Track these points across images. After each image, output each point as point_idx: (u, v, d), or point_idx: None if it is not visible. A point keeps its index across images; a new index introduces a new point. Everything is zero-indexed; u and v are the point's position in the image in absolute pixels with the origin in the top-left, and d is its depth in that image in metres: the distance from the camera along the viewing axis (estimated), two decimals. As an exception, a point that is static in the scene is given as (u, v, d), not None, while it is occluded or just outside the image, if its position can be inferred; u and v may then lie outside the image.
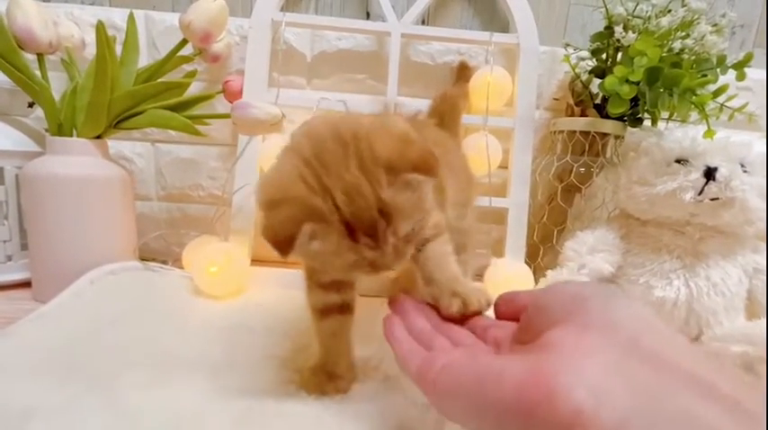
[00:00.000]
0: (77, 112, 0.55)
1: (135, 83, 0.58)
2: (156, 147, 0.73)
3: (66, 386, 0.34)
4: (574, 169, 0.65)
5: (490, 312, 0.31)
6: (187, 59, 0.63)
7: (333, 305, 0.36)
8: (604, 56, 0.64)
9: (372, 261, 0.28)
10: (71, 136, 0.55)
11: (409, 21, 0.66)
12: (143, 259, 0.62)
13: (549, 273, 0.58)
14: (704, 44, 0.56)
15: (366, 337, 0.45)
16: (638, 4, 0.60)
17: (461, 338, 0.29)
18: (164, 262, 0.65)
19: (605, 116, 0.63)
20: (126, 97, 0.54)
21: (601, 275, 0.57)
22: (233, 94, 0.65)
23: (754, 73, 0.66)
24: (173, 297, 0.55)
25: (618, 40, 0.59)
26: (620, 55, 0.62)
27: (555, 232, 0.68)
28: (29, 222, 0.55)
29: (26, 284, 0.57)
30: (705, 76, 0.55)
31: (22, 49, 0.52)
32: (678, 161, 0.52)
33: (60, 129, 0.55)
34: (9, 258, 0.58)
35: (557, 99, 0.73)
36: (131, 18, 0.59)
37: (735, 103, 0.55)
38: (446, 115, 0.60)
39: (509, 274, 0.61)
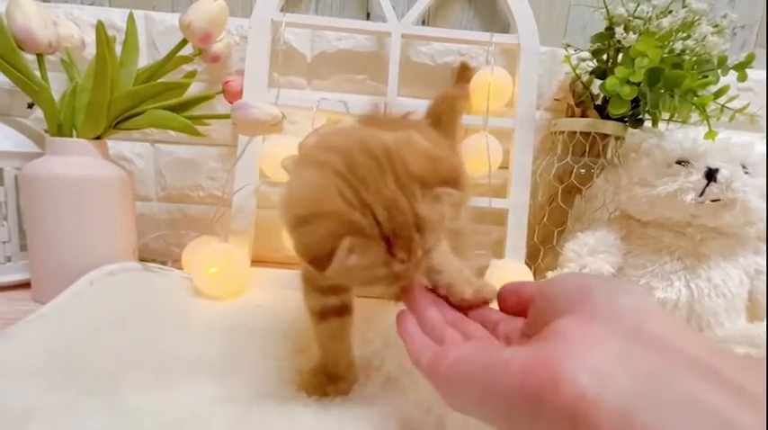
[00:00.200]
0: (77, 113, 0.55)
1: (135, 83, 0.58)
2: (156, 147, 0.73)
3: (66, 387, 0.34)
4: (574, 170, 0.65)
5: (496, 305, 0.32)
6: (187, 60, 0.63)
7: (331, 308, 0.36)
8: (605, 56, 0.64)
9: (399, 274, 0.28)
10: (71, 136, 0.55)
11: (409, 21, 0.66)
12: (142, 260, 0.62)
13: (550, 274, 0.58)
14: (705, 45, 0.56)
15: (366, 338, 0.45)
16: (638, 5, 0.59)
17: (473, 332, 0.29)
18: (163, 262, 0.65)
19: (606, 117, 0.63)
20: (126, 98, 0.54)
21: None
22: (233, 95, 0.65)
23: (756, 74, 0.66)
24: (172, 298, 0.55)
25: (619, 41, 0.59)
26: (620, 56, 0.62)
27: (555, 233, 0.68)
28: (28, 223, 0.55)
29: (25, 285, 0.57)
30: (706, 77, 0.55)
31: (22, 49, 0.52)
32: (679, 162, 0.52)
33: (60, 130, 0.55)
34: (8, 259, 0.58)
35: (557, 100, 0.73)
36: (131, 18, 0.59)
37: (736, 104, 0.55)
38: (444, 116, 0.60)
39: (509, 275, 0.61)
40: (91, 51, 0.58)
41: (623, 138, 0.63)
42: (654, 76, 0.53)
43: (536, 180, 0.69)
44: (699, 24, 0.57)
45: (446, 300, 0.33)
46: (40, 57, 0.54)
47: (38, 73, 0.53)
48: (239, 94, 0.63)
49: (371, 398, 0.36)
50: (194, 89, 0.68)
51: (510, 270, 0.61)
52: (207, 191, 0.75)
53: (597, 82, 0.65)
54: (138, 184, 0.73)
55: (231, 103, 0.61)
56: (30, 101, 0.62)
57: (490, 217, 0.65)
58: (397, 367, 0.41)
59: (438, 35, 0.68)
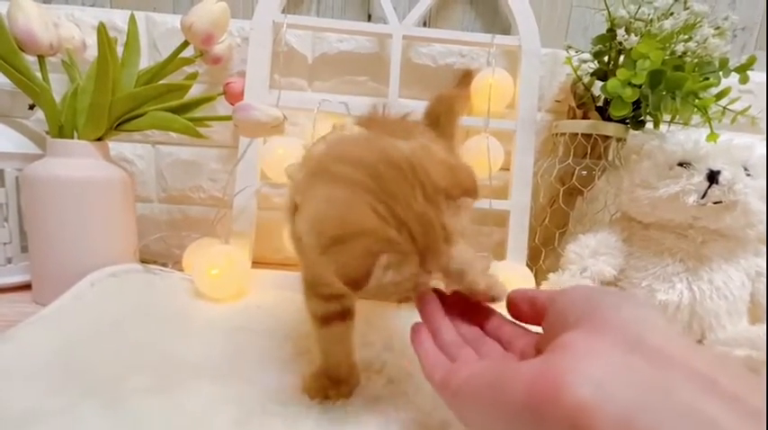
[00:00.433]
0: (78, 114, 0.55)
1: (136, 85, 0.58)
2: (157, 148, 0.73)
3: (67, 389, 0.34)
4: (576, 172, 0.65)
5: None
6: (188, 61, 0.63)
7: (333, 313, 0.36)
8: (606, 58, 0.64)
9: (421, 284, 0.29)
10: (72, 138, 0.55)
11: (411, 23, 0.66)
12: (143, 261, 0.62)
13: (551, 276, 0.58)
14: (707, 47, 0.56)
15: (367, 340, 0.45)
16: (640, 7, 0.60)
17: (488, 351, 0.30)
18: (164, 264, 0.65)
19: (607, 119, 0.63)
20: (127, 99, 0.54)
21: (603, 278, 0.56)
22: (234, 96, 0.65)
23: (757, 76, 0.66)
24: (173, 299, 0.55)
25: (620, 43, 0.59)
26: (622, 58, 0.62)
27: (557, 235, 0.68)
28: (29, 224, 0.55)
29: (26, 287, 0.57)
30: (708, 79, 0.55)
31: (23, 50, 0.51)
32: (681, 164, 0.52)
33: (61, 131, 0.55)
34: (9, 260, 0.58)
35: (558, 101, 0.73)
36: (132, 20, 0.59)
37: (737, 106, 0.55)
38: (442, 117, 0.60)
39: (510, 277, 0.61)
40: (92, 53, 0.58)
41: (625, 140, 0.63)
42: (655, 77, 0.53)
43: (537, 182, 0.69)
44: (700, 26, 0.57)
45: (455, 296, 0.33)
46: (41, 58, 0.54)
47: (39, 74, 0.53)
48: (240, 96, 0.63)
49: (373, 402, 0.36)
50: (195, 91, 0.68)
51: (511, 271, 0.61)
52: (208, 192, 0.75)
53: (598, 84, 0.65)
54: (139, 186, 0.73)
55: (232, 104, 0.61)
56: (31, 102, 0.62)
57: (491, 218, 0.65)
58: (398, 370, 0.40)
59: (439, 36, 0.68)
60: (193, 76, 0.67)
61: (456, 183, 0.28)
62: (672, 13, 0.59)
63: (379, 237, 0.25)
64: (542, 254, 0.69)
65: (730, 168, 0.49)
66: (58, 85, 0.56)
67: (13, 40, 0.50)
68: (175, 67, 0.62)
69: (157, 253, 0.73)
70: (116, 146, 0.70)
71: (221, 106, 0.68)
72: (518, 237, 0.64)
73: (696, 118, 0.57)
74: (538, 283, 0.61)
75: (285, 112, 0.55)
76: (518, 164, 0.65)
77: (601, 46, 0.64)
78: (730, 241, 0.52)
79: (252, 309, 0.54)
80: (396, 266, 0.26)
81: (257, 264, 0.64)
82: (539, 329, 0.29)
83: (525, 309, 0.30)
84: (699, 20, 0.57)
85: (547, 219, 0.69)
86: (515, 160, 0.65)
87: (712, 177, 0.49)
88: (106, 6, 0.71)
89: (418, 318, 0.36)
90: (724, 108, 0.55)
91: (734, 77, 0.56)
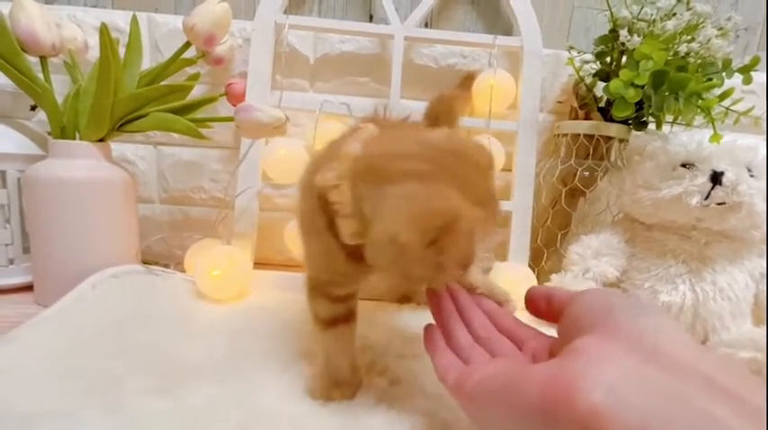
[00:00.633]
0: (80, 115, 0.55)
1: (138, 85, 0.58)
2: (159, 149, 0.73)
3: (69, 391, 0.34)
4: (578, 173, 0.65)
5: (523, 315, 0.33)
6: (190, 62, 0.63)
7: (339, 315, 0.36)
8: (609, 59, 0.64)
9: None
10: (74, 139, 0.55)
11: (412, 23, 0.66)
12: (145, 262, 0.62)
13: (554, 277, 0.58)
14: (710, 48, 0.56)
15: (369, 342, 0.45)
16: (642, 8, 0.59)
17: (500, 349, 0.30)
18: (166, 265, 0.65)
19: (610, 119, 0.63)
20: (129, 100, 0.54)
21: (605, 279, 0.56)
22: (236, 97, 0.65)
23: (760, 76, 0.66)
24: (175, 300, 0.55)
25: (623, 44, 0.59)
26: (624, 58, 0.62)
27: (559, 236, 0.68)
28: (31, 225, 0.55)
29: (28, 288, 0.57)
30: (711, 79, 0.55)
31: (25, 51, 0.52)
32: (684, 165, 0.52)
33: (63, 132, 0.55)
34: (11, 262, 0.58)
35: (560, 102, 0.73)
36: (134, 20, 0.59)
37: (740, 107, 0.55)
38: (441, 117, 0.60)
39: (512, 278, 0.61)
40: (94, 54, 0.58)
41: (627, 141, 0.63)
42: (658, 78, 0.53)
43: (539, 182, 0.69)
44: (703, 27, 0.57)
45: (469, 294, 0.34)
46: (43, 59, 0.54)
47: (41, 75, 0.53)
48: (242, 97, 0.63)
49: (376, 403, 0.35)
50: (197, 91, 0.68)
51: (513, 272, 0.61)
52: (209, 193, 0.75)
53: (600, 84, 0.64)
54: (140, 187, 0.73)
55: (234, 105, 0.61)
56: (33, 103, 0.62)
57: (493, 219, 0.65)
58: (400, 371, 0.40)
59: (441, 37, 0.67)
60: (195, 77, 0.66)
61: (489, 158, 0.30)
62: (675, 14, 0.59)
63: (474, 219, 0.27)
64: (544, 255, 0.68)
65: (734, 169, 0.48)
66: (59, 86, 0.56)
67: (15, 40, 0.50)
68: (177, 68, 0.62)
69: (159, 254, 0.73)
70: (118, 147, 0.70)
71: (223, 107, 0.68)
72: (520, 237, 0.64)
73: (699, 119, 0.56)
74: (540, 284, 0.60)
75: (287, 113, 0.55)
76: (520, 165, 0.65)
77: (603, 47, 0.64)
78: (734, 242, 0.52)
79: (254, 310, 0.54)
80: (481, 242, 0.28)
81: (259, 264, 0.64)
82: (553, 332, 0.29)
83: (543, 305, 0.30)
84: (702, 20, 0.57)
85: (549, 220, 0.69)
86: (517, 161, 0.65)
87: (716, 178, 0.48)
88: (108, 7, 0.71)
89: (420, 319, 0.36)
90: (727, 109, 0.55)
91: (737, 78, 0.56)
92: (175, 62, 0.60)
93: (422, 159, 0.28)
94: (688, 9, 0.58)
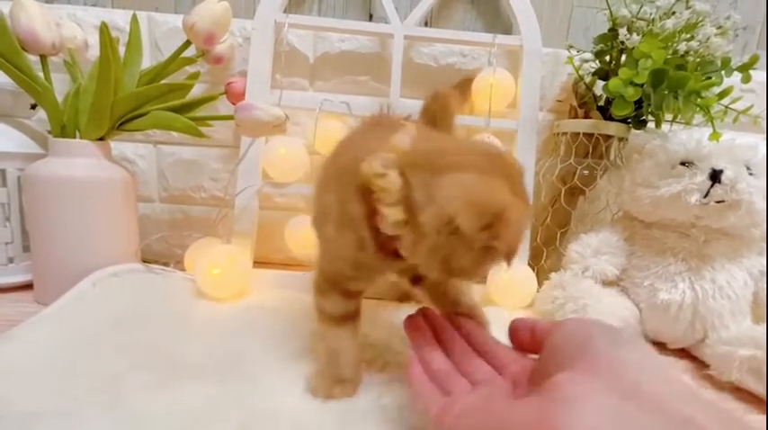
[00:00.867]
0: (80, 114, 0.55)
1: (138, 84, 0.58)
2: (159, 148, 0.73)
3: (69, 389, 0.34)
4: (577, 171, 0.65)
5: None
6: (190, 61, 0.63)
7: (349, 312, 0.36)
8: (608, 58, 0.64)
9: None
10: (74, 137, 0.55)
11: (412, 22, 0.66)
12: (145, 261, 0.62)
13: (553, 275, 0.58)
14: (709, 46, 0.56)
15: (369, 340, 0.45)
16: (642, 7, 0.59)
17: (480, 376, 0.30)
18: (166, 264, 0.65)
19: (609, 118, 0.63)
20: (129, 99, 0.54)
21: (605, 278, 0.56)
22: (236, 96, 0.65)
23: (759, 75, 0.66)
24: (175, 299, 0.55)
25: (622, 42, 0.59)
26: (623, 57, 0.62)
27: (558, 234, 0.68)
28: (31, 224, 0.55)
29: (28, 286, 0.57)
30: (710, 78, 0.55)
31: (25, 50, 0.52)
32: (683, 163, 0.52)
33: (63, 131, 0.55)
34: (11, 260, 0.58)
35: (560, 101, 0.73)
36: (134, 19, 0.59)
37: (739, 106, 0.55)
38: (438, 115, 0.60)
39: (512, 277, 0.61)
40: (94, 53, 0.58)
41: (626, 140, 0.63)
42: (658, 77, 0.53)
43: (539, 181, 0.69)
44: (702, 26, 0.57)
45: (447, 317, 0.34)
46: (43, 58, 0.54)
47: (41, 74, 0.53)
48: (242, 96, 0.63)
49: (377, 400, 0.36)
50: (197, 90, 0.68)
51: (513, 271, 0.61)
52: (209, 192, 0.75)
53: (600, 83, 0.65)
54: (140, 185, 0.73)
55: (234, 104, 0.61)
56: (33, 102, 0.62)
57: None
58: (400, 368, 0.40)
59: (440, 36, 0.68)
60: (195, 76, 0.67)
61: (520, 165, 0.32)
62: (674, 13, 0.59)
63: (524, 210, 0.28)
64: (544, 253, 0.68)
65: (733, 167, 0.48)
66: (60, 85, 0.56)
67: (15, 39, 0.50)
68: (177, 67, 0.62)
69: (159, 252, 0.73)
70: (118, 145, 0.70)
71: (223, 106, 0.68)
72: (520, 236, 0.64)
73: (698, 117, 0.56)
74: (540, 283, 0.61)
75: (287, 112, 0.55)
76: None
77: (602, 45, 0.64)
78: (733, 240, 0.52)
79: (254, 309, 0.54)
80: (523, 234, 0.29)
81: (259, 263, 0.64)
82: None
83: (527, 337, 0.31)
84: (701, 19, 0.57)
85: (548, 219, 0.69)
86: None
87: (715, 176, 0.48)
88: (108, 6, 0.71)
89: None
90: (726, 107, 0.55)
91: (736, 77, 0.56)
92: (175, 61, 0.60)
93: (474, 154, 0.30)
94: (687, 8, 0.58)
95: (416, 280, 0.42)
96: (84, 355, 0.40)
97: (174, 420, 0.32)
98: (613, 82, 0.56)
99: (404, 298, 0.58)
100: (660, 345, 0.55)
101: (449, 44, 0.70)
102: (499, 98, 0.65)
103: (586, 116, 0.68)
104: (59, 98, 0.55)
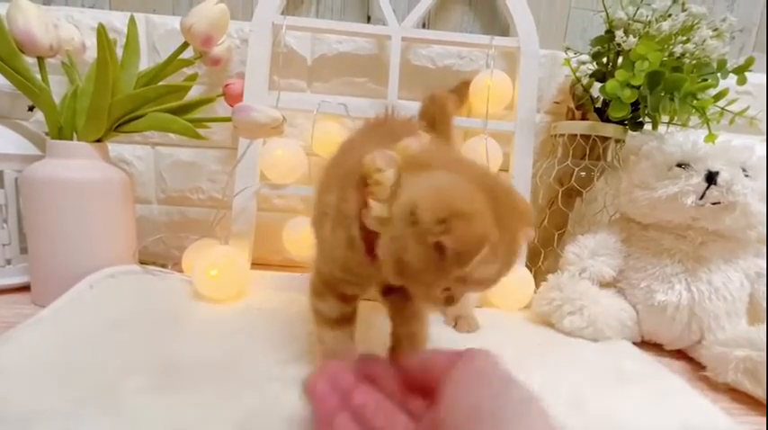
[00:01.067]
0: (78, 116, 0.55)
1: (135, 86, 0.58)
2: (156, 150, 0.73)
3: (66, 392, 0.34)
4: (575, 173, 0.65)
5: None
6: (188, 63, 0.63)
7: (345, 315, 0.37)
8: (605, 60, 0.64)
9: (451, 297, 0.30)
10: (71, 139, 0.55)
11: (410, 24, 0.66)
12: (142, 262, 0.62)
13: (550, 277, 0.58)
14: (705, 48, 0.56)
15: (365, 342, 0.45)
16: (638, 9, 0.60)
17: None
18: (163, 265, 0.65)
19: (606, 120, 0.64)
20: (126, 101, 0.54)
21: (602, 279, 0.57)
22: (233, 97, 0.65)
23: (755, 77, 0.66)
24: (172, 301, 0.55)
25: (619, 45, 0.59)
26: (620, 59, 0.62)
27: (556, 236, 0.68)
28: (28, 226, 0.55)
29: (25, 288, 0.57)
30: (706, 80, 0.55)
31: (23, 52, 0.52)
32: (679, 165, 0.52)
33: (60, 133, 0.55)
34: (8, 262, 0.58)
35: (557, 102, 0.73)
36: (132, 21, 0.59)
37: (735, 107, 0.55)
38: (437, 117, 0.60)
39: (509, 278, 0.61)
40: (92, 54, 0.58)
41: (623, 141, 0.63)
42: (654, 79, 0.54)
43: (536, 183, 0.69)
44: (698, 28, 0.57)
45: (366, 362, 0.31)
46: (40, 60, 0.54)
47: (38, 76, 0.53)
48: (240, 97, 0.63)
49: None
50: (195, 92, 0.68)
51: (510, 273, 0.61)
52: (207, 193, 0.75)
53: (597, 85, 0.65)
54: (138, 187, 0.73)
55: (232, 105, 0.61)
56: (30, 104, 0.62)
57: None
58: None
59: (438, 38, 0.68)
60: (193, 78, 0.67)
61: (527, 213, 0.31)
62: (670, 15, 0.59)
63: (493, 231, 0.27)
64: (541, 255, 0.69)
65: (729, 169, 0.49)
66: (57, 87, 0.56)
67: (12, 41, 0.50)
68: (175, 69, 0.62)
69: (157, 254, 0.73)
70: (115, 147, 0.70)
71: (221, 107, 0.68)
72: (517, 238, 0.64)
73: (694, 119, 0.57)
74: (537, 284, 0.61)
75: (284, 113, 0.55)
76: (517, 165, 0.65)
77: (599, 47, 0.64)
78: (730, 242, 0.52)
79: (251, 311, 0.54)
80: (486, 263, 0.27)
81: (256, 265, 0.64)
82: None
83: (419, 377, 0.28)
84: (697, 21, 0.57)
85: (546, 220, 0.69)
86: (514, 161, 0.65)
87: (711, 178, 0.49)
88: (106, 8, 0.71)
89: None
90: (722, 109, 0.56)
91: (732, 79, 0.56)
92: (173, 63, 0.60)
93: (472, 172, 0.30)
94: (683, 10, 0.58)
95: (387, 291, 0.41)
96: (82, 357, 0.40)
97: (170, 421, 0.32)
98: (610, 84, 0.56)
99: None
100: (657, 347, 0.55)
101: (446, 46, 0.70)
102: (496, 100, 0.65)
103: (584, 118, 0.68)
104: (57, 100, 0.55)
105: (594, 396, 0.40)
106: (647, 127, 0.62)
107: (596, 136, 0.64)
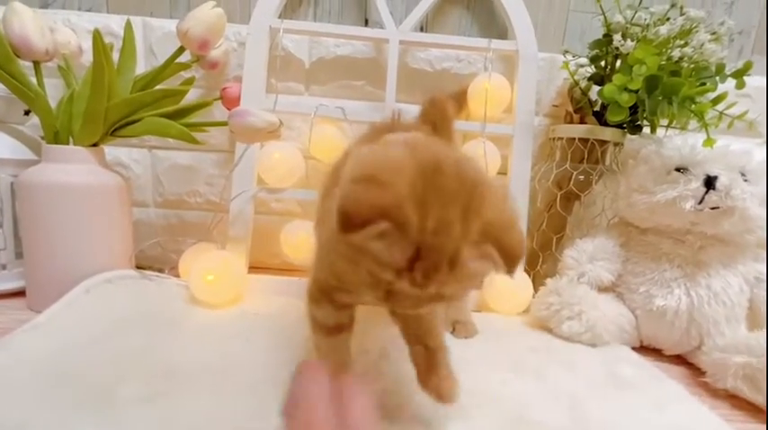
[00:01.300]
0: (74, 120, 0.54)
1: (132, 90, 0.58)
2: (154, 153, 0.73)
3: (61, 398, 0.34)
4: (573, 176, 0.65)
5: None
6: (185, 66, 0.63)
7: (341, 323, 0.36)
8: (603, 63, 0.64)
9: (396, 293, 0.26)
10: (67, 143, 0.55)
11: (408, 27, 0.66)
12: (139, 267, 0.62)
13: (549, 281, 0.58)
14: (703, 52, 0.56)
15: (363, 348, 0.45)
16: (636, 13, 0.60)
17: None
18: (160, 269, 0.65)
19: (604, 123, 0.63)
20: (123, 105, 0.54)
21: (600, 284, 0.56)
22: (231, 101, 0.65)
23: (754, 80, 0.66)
24: (169, 306, 0.54)
25: (617, 48, 0.59)
26: (618, 62, 0.62)
27: (554, 239, 0.68)
28: (24, 230, 0.55)
29: (21, 293, 0.57)
30: (704, 84, 0.55)
31: (18, 56, 0.51)
32: (678, 169, 0.52)
33: (56, 137, 0.54)
34: (4, 267, 0.58)
35: (556, 106, 0.73)
36: (129, 25, 0.59)
37: (734, 111, 0.55)
38: (437, 120, 0.60)
39: (507, 282, 0.60)
40: (88, 58, 0.57)
41: (622, 145, 0.63)
42: (652, 83, 0.53)
43: (534, 186, 0.69)
44: (696, 32, 0.57)
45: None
46: (36, 64, 0.53)
47: (34, 80, 0.53)
48: (237, 101, 0.63)
49: (369, 410, 0.35)
50: (192, 96, 0.68)
51: (508, 277, 0.61)
52: (204, 197, 0.75)
53: (595, 88, 0.65)
54: (135, 191, 0.73)
55: (229, 109, 0.61)
56: (26, 108, 0.61)
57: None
58: (393, 378, 0.40)
59: (436, 41, 0.68)
60: (190, 82, 0.66)
61: (499, 235, 0.26)
62: (668, 19, 0.59)
63: (396, 201, 0.24)
64: (540, 259, 0.68)
65: (727, 174, 0.49)
66: (53, 90, 0.55)
67: (8, 45, 0.50)
68: (172, 73, 0.61)
69: (154, 258, 0.72)
70: (112, 150, 0.70)
71: (218, 111, 0.68)
72: (515, 241, 0.64)
73: (693, 123, 0.56)
74: (535, 289, 0.60)
75: (282, 117, 0.55)
76: (515, 168, 0.65)
77: (597, 51, 0.64)
78: (728, 246, 0.52)
79: (248, 316, 0.54)
80: (388, 243, 0.24)
81: (254, 269, 0.64)
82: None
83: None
84: (695, 25, 0.57)
85: (544, 224, 0.69)
86: (512, 165, 0.65)
87: (709, 183, 0.49)
88: (103, 11, 0.71)
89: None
90: (721, 113, 0.55)
91: (730, 82, 0.56)
92: (170, 66, 0.60)
93: (430, 153, 0.27)
94: (681, 14, 0.58)
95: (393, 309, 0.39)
96: (78, 363, 0.39)
97: (167, 428, 0.32)
98: (608, 88, 0.56)
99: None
100: (656, 352, 0.55)
101: (444, 49, 0.70)
102: (495, 103, 0.65)
103: (582, 121, 0.68)
104: (53, 104, 0.54)
105: (593, 401, 0.40)
106: (646, 130, 0.62)
107: (595, 139, 0.64)
